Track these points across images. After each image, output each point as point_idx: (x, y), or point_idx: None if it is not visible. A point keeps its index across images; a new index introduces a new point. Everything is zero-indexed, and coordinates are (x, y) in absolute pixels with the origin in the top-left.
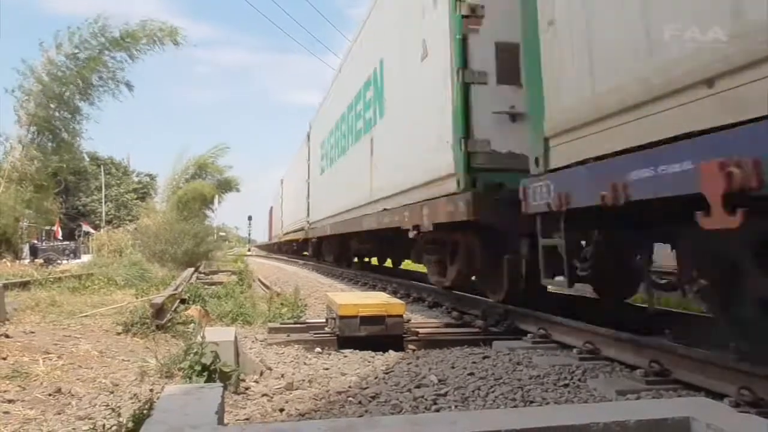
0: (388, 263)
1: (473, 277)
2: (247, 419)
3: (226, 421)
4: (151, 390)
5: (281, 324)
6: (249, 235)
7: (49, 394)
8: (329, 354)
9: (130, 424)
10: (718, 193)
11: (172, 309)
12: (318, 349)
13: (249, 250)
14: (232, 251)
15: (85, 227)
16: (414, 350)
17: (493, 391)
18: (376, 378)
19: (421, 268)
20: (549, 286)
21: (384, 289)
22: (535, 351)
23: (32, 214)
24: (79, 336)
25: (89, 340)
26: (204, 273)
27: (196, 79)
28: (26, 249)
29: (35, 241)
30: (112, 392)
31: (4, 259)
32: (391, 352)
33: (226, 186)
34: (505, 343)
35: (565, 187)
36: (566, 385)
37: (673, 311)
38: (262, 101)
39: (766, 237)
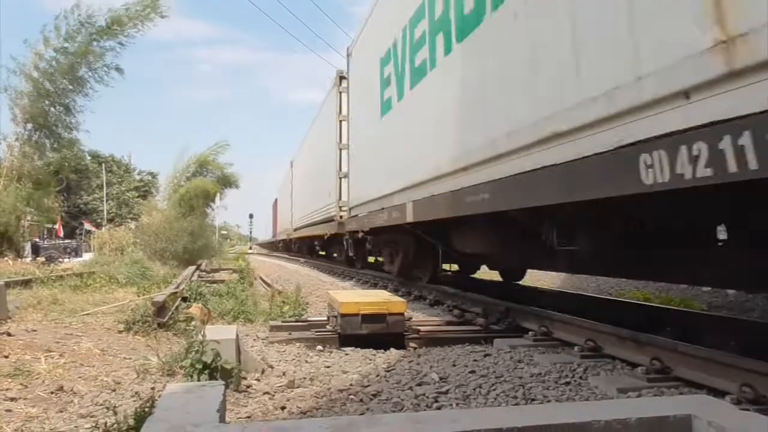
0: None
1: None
2: (248, 417)
3: (227, 419)
4: (153, 388)
5: (283, 322)
6: (250, 233)
7: (51, 392)
8: (331, 352)
9: (132, 422)
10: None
11: (174, 307)
12: (319, 347)
13: (250, 248)
14: (233, 249)
15: (87, 225)
16: (415, 348)
17: (494, 389)
18: (377, 376)
19: None
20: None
21: (385, 288)
22: (537, 349)
23: (33, 212)
24: (81, 334)
25: (91, 338)
26: (205, 271)
27: (197, 78)
28: (28, 247)
29: (37, 240)
30: (113, 390)
31: (6, 258)
32: (392, 350)
33: (225, 182)
34: (506, 341)
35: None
36: (567, 383)
37: (674, 309)
38: (263, 100)
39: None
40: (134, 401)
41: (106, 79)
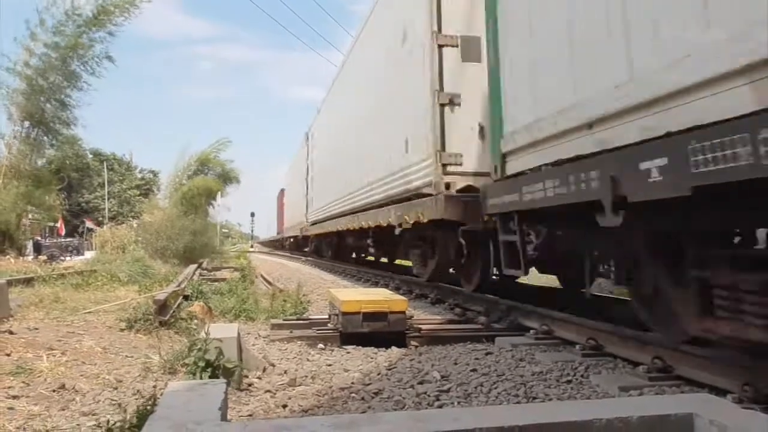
0: None
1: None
2: (250, 415)
3: (229, 417)
4: (155, 386)
5: (284, 320)
6: (252, 231)
7: (53, 390)
8: (332, 350)
9: (134, 420)
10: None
11: (175, 305)
12: (321, 346)
13: (252, 247)
14: (235, 248)
15: (88, 224)
16: (417, 346)
17: (495, 388)
18: (378, 374)
19: None
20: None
21: (386, 286)
22: (538, 347)
23: (34, 210)
24: (83, 332)
25: (93, 336)
26: (207, 269)
27: (198, 77)
28: (30, 246)
29: (39, 238)
30: (115, 388)
31: (7, 256)
32: (393, 348)
33: (226, 178)
34: (507, 340)
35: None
36: (569, 382)
37: None
38: (264, 99)
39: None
40: (136, 399)
41: (99, 71)
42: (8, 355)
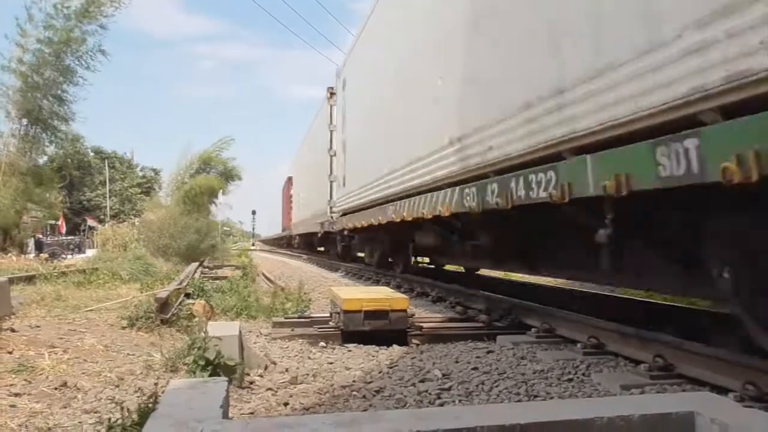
0: None
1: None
2: (251, 413)
3: (230, 414)
4: (156, 384)
5: (285, 318)
6: (253, 229)
7: (55, 388)
8: (333, 348)
9: (136, 418)
10: None
11: (177, 303)
12: (322, 344)
13: (253, 245)
14: (236, 246)
15: (90, 222)
16: (418, 345)
17: (497, 386)
18: (380, 372)
19: None
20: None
21: (387, 284)
22: (539, 345)
23: (34, 208)
24: (85, 330)
25: (94, 334)
26: (208, 267)
27: (199, 75)
28: (31, 243)
29: (40, 236)
30: (117, 386)
31: (9, 254)
32: (395, 346)
33: (228, 176)
34: (509, 338)
35: None
36: (570, 380)
37: (677, 306)
38: (264, 97)
39: None
40: (138, 397)
41: (93, 65)
42: (10, 352)
